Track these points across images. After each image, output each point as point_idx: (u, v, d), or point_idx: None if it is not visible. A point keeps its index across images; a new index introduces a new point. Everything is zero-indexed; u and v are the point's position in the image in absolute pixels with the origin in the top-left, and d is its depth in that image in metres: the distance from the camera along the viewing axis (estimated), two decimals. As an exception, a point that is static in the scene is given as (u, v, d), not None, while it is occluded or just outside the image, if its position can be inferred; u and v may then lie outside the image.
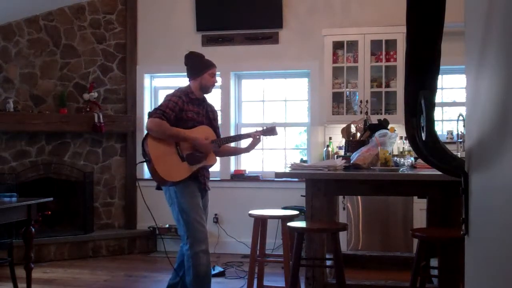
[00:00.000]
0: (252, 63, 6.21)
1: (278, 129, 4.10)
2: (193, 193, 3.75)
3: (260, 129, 4.08)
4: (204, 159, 3.80)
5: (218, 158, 4.08)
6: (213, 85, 3.91)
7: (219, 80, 5.97)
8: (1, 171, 5.99)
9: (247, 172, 6.28)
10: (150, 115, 3.73)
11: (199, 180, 3.80)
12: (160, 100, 6.61)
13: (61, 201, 6.04)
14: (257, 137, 3.98)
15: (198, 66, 3.88)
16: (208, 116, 3.94)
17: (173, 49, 6.37)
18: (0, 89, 6.12)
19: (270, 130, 4.05)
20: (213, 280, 4.04)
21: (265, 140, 4.19)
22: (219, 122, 4.50)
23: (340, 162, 3.69)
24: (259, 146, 4.20)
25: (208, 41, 6.23)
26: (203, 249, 3.64)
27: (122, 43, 6.46)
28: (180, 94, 3.80)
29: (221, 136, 4.05)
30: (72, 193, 6.24)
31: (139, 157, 6.43)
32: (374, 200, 5.29)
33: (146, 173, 6.46)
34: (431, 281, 3.66)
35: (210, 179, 4.01)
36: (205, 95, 3.93)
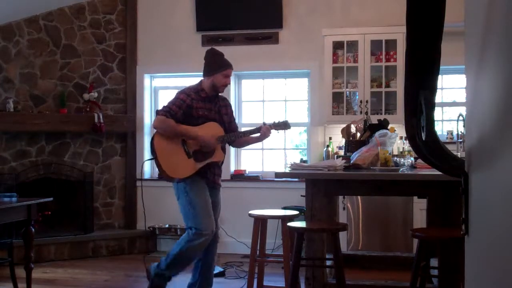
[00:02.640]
0: (252, 63, 6.21)
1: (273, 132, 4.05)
2: (202, 188, 3.78)
3: (270, 122, 4.03)
4: (211, 156, 3.80)
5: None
6: (224, 86, 3.89)
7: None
8: (1, 171, 5.99)
9: (247, 172, 6.27)
10: (157, 112, 3.77)
11: (207, 176, 3.82)
12: (160, 100, 6.64)
13: (61, 201, 6.03)
14: (266, 132, 3.94)
15: (213, 65, 3.86)
16: (220, 111, 3.92)
17: (173, 49, 6.38)
18: (0, 89, 6.12)
19: (282, 125, 4.00)
20: (213, 280, 4.04)
21: (277, 134, 4.15)
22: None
23: (340, 162, 3.69)
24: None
25: (208, 41, 6.23)
26: (201, 241, 3.70)
27: (122, 43, 6.46)
28: (189, 92, 3.81)
29: (238, 129, 4.07)
30: (72, 193, 6.24)
31: (140, 156, 6.46)
32: (374, 200, 5.29)
33: (147, 173, 6.47)
34: (431, 281, 3.66)
35: None
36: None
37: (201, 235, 3.69)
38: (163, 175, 3.81)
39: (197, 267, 3.93)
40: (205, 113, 3.82)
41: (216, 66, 3.85)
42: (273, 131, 4.01)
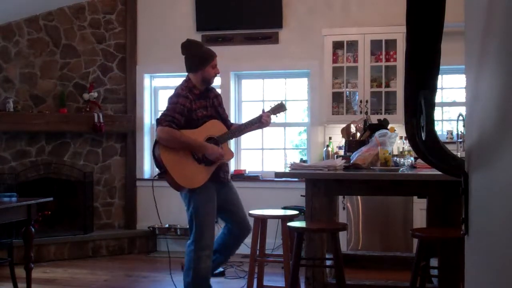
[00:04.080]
0: (252, 63, 6.21)
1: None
2: (209, 196, 3.69)
3: (267, 108, 3.98)
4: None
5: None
6: (215, 76, 3.77)
7: (218, 80, 5.94)
8: (1, 171, 5.99)
9: (247, 172, 6.27)
10: (159, 122, 3.59)
11: (219, 175, 3.75)
12: (160, 100, 6.64)
13: (61, 201, 6.03)
14: (267, 119, 3.87)
15: (198, 59, 3.71)
16: (213, 104, 3.80)
17: (173, 49, 6.33)
18: (0, 89, 6.12)
19: (278, 108, 3.95)
20: (213, 280, 4.04)
21: (275, 118, 4.08)
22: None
23: (340, 162, 3.69)
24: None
25: (208, 41, 6.23)
26: (207, 253, 3.66)
27: (122, 43, 6.46)
28: (186, 93, 3.64)
29: (229, 118, 4.00)
30: (72, 193, 6.23)
31: (140, 156, 6.46)
32: (374, 200, 5.29)
33: (147, 173, 6.46)
34: (431, 281, 3.66)
35: None
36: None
37: (202, 249, 3.65)
38: (176, 188, 3.66)
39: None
40: (203, 113, 3.71)
41: (203, 60, 3.70)
42: (272, 117, 3.95)
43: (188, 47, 3.76)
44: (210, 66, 3.70)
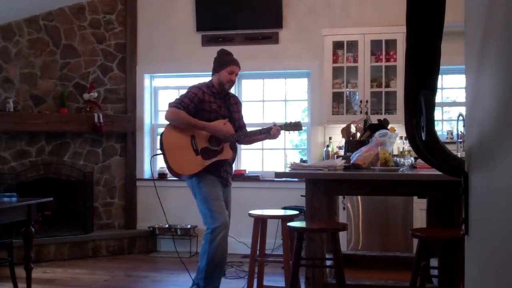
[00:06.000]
0: (252, 63, 6.20)
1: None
2: (213, 183, 3.84)
3: (281, 122, 4.10)
4: (219, 154, 3.86)
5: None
6: (229, 83, 3.98)
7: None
8: (1, 171, 5.99)
9: (247, 172, 6.27)
10: (169, 105, 3.86)
11: (221, 175, 3.89)
12: (160, 100, 6.64)
13: (61, 201, 6.03)
14: (276, 132, 3.98)
15: (218, 62, 4.00)
16: (229, 109, 4.02)
17: (173, 49, 6.37)
18: (0, 89, 6.12)
19: (293, 125, 4.07)
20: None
21: (288, 134, 4.22)
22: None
23: (340, 162, 3.69)
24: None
25: (208, 41, 6.23)
26: (221, 236, 3.74)
27: (122, 43, 6.46)
28: (201, 86, 3.94)
29: (245, 127, 4.15)
30: (72, 193, 6.23)
31: (140, 156, 6.47)
32: (374, 200, 5.29)
33: (147, 173, 6.47)
34: (431, 281, 3.66)
35: None
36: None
37: (219, 231, 3.74)
38: (169, 171, 3.89)
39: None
40: (216, 108, 3.92)
41: (221, 63, 3.98)
42: (283, 132, 4.07)
43: (218, 53, 4.10)
44: (226, 70, 3.95)
